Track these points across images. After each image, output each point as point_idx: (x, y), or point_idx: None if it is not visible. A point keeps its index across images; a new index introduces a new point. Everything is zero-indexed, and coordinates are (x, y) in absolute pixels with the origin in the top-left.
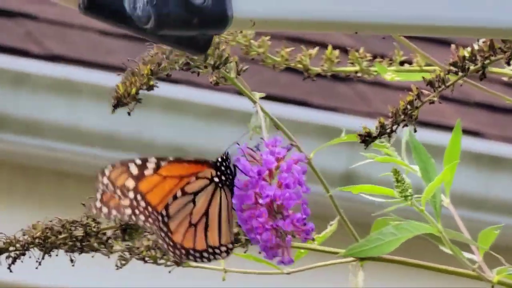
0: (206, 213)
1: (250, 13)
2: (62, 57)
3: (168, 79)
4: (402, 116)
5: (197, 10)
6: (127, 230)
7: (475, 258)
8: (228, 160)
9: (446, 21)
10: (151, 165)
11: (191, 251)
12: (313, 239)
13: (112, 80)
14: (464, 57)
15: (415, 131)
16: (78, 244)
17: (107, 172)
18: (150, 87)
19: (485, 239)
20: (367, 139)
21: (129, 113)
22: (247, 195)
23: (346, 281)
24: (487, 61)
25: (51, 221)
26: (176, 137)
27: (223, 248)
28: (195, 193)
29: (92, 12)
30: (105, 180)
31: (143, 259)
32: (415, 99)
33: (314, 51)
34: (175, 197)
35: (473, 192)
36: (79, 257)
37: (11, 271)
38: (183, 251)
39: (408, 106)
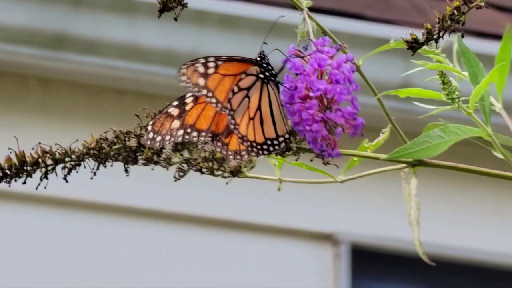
0: (259, 108)
1: None
2: None
3: None
4: (449, 22)
5: None
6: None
7: None
8: (266, 58)
9: None
10: (211, 64)
11: (254, 143)
12: (362, 134)
13: None
14: None
15: (463, 36)
16: (132, 154)
17: (184, 70)
18: None
19: None
20: (414, 45)
21: (175, 18)
22: (298, 89)
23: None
24: None
25: (105, 132)
26: (233, 52)
27: (281, 139)
28: (248, 89)
29: None
30: (184, 77)
31: (200, 170)
32: (462, 5)
33: None
34: (233, 93)
35: None
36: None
37: (67, 181)
38: (247, 144)
39: (455, 12)
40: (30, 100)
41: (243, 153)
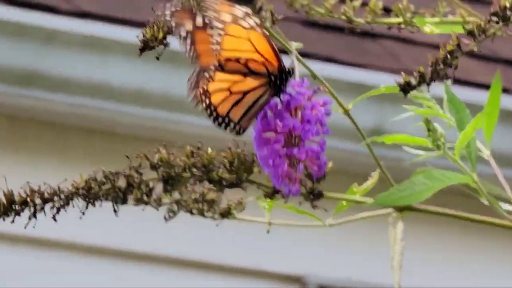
0: (245, 93)
1: None
2: (92, 14)
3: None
4: (442, 66)
5: None
6: (169, 182)
7: None
8: (290, 77)
9: None
10: (251, 21)
11: (212, 108)
12: (325, 175)
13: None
14: (505, 7)
15: (455, 80)
16: (121, 194)
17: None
18: None
19: None
20: (406, 88)
21: (157, 58)
22: (268, 122)
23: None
24: None
25: (94, 172)
26: None
27: (237, 127)
28: (252, 72)
29: None
30: (216, 6)
31: (190, 211)
32: (455, 49)
33: (357, 3)
34: (237, 60)
35: (508, 150)
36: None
37: (55, 221)
38: (210, 105)
39: (448, 56)
40: None
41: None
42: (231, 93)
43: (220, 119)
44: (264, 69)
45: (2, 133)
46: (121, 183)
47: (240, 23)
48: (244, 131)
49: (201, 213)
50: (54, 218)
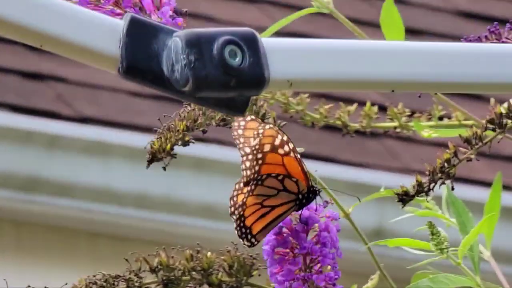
0: (273, 207)
1: (287, 74)
2: (92, 119)
3: (197, 138)
4: (439, 174)
5: (234, 72)
6: (169, 285)
7: None
8: (315, 196)
9: (484, 78)
10: (286, 148)
11: (243, 218)
12: None
13: (142, 140)
14: (501, 114)
15: (453, 189)
16: None
17: (267, 126)
18: (186, 143)
19: None
20: (404, 198)
21: (164, 168)
22: (284, 240)
23: None
24: None
25: (94, 276)
26: (206, 196)
27: (253, 239)
28: (284, 189)
29: (131, 76)
30: (261, 130)
31: None
32: (452, 157)
33: (352, 107)
34: (275, 176)
35: (510, 247)
36: None
37: None
38: (241, 216)
39: (445, 164)
40: (3, 242)
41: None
42: (262, 206)
43: (243, 230)
44: (296, 187)
45: (6, 238)
46: (122, 287)
47: (278, 152)
48: (257, 243)
49: None
50: None
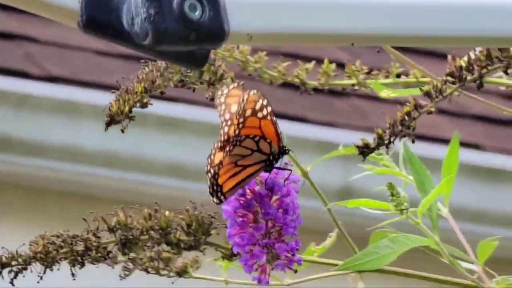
0: (245, 167)
1: (246, 27)
2: (61, 78)
3: (165, 97)
4: (400, 127)
5: (194, 25)
6: (127, 245)
7: (475, 268)
8: (283, 155)
9: (443, 30)
10: (265, 111)
11: (216, 176)
12: (295, 271)
13: (111, 99)
14: (461, 67)
15: (413, 142)
16: (79, 258)
17: (251, 92)
18: (144, 105)
19: (484, 250)
20: (365, 150)
21: (122, 131)
22: (248, 204)
23: None
24: (484, 71)
25: (52, 236)
26: (175, 155)
27: (222, 198)
28: (258, 149)
29: (90, 29)
30: (246, 96)
31: (146, 269)
32: (413, 110)
33: (310, 65)
34: (252, 138)
35: (472, 204)
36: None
37: (13, 285)
38: (215, 174)
39: (406, 117)
40: None
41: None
42: (235, 165)
43: (215, 187)
44: (268, 148)
45: None
46: (80, 246)
47: (257, 115)
48: (221, 203)
49: (157, 271)
50: (11, 282)
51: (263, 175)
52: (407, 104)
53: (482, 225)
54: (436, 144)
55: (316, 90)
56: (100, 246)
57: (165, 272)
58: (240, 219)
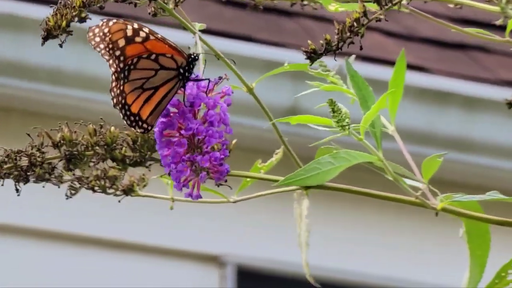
0: (156, 88)
1: None
2: None
3: (108, 12)
4: (348, 34)
5: None
6: (72, 160)
7: (420, 186)
8: (195, 63)
9: None
10: (142, 34)
11: (127, 107)
12: (226, 181)
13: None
14: None
15: (361, 48)
16: (23, 173)
17: (110, 23)
18: (82, 19)
19: (429, 168)
20: (312, 56)
21: (60, 45)
22: (171, 122)
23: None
24: None
25: None
26: None
27: (145, 125)
28: (162, 67)
29: None
30: (106, 29)
31: (92, 188)
32: (362, 17)
33: None
34: (147, 57)
35: (419, 127)
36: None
37: None
38: (124, 105)
39: (355, 24)
40: None
41: (123, 106)
42: (143, 90)
43: (132, 118)
44: (173, 63)
45: None
46: (24, 161)
47: (135, 41)
48: (151, 128)
49: (103, 190)
50: None
51: (187, 91)
52: (356, 11)
53: (430, 147)
54: (384, 66)
55: (265, 10)
56: (45, 161)
57: (111, 190)
58: (164, 138)
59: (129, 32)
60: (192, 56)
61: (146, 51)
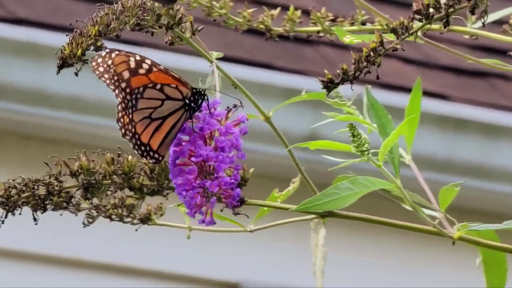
0: (164, 118)
1: None
2: (25, 20)
3: (127, 41)
4: (365, 63)
5: None
6: (89, 189)
7: (437, 215)
8: (202, 97)
9: None
10: (145, 65)
11: (137, 136)
12: (239, 205)
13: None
14: (428, 5)
15: (378, 78)
16: (41, 202)
17: (113, 55)
18: (98, 48)
19: (445, 197)
20: (329, 85)
21: (76, 74)
22: (182, 150)
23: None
24: (451, 10)
25: (14, 180)
26: None
27: (156, 155)
28: (168, 97)
29: None
30: (110, 61)
31: (109, 217)
32: (378, 46)
33: (276, 11)
34: (152, 87)
35: (438, 155)
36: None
37: None
38: (135, 134)
39: (371, 53)
40: None
41: (133, 135)
42: (152, 120)
43: (142, 148)
44: (179, 93)
45: None
46: (42, 190)
47: (139, 73)
48: (162, 159)
49: (121, 218)
50: None
51: (199, 119)
52: (373, 41)
53: (449, 174)
54: (402, 93)
55: (283, 37)
56: (62, 190)
57: (129, 219)
58: (177, 167)
59: (132, 64)
60: (198, 90)
61: (150, 83)
